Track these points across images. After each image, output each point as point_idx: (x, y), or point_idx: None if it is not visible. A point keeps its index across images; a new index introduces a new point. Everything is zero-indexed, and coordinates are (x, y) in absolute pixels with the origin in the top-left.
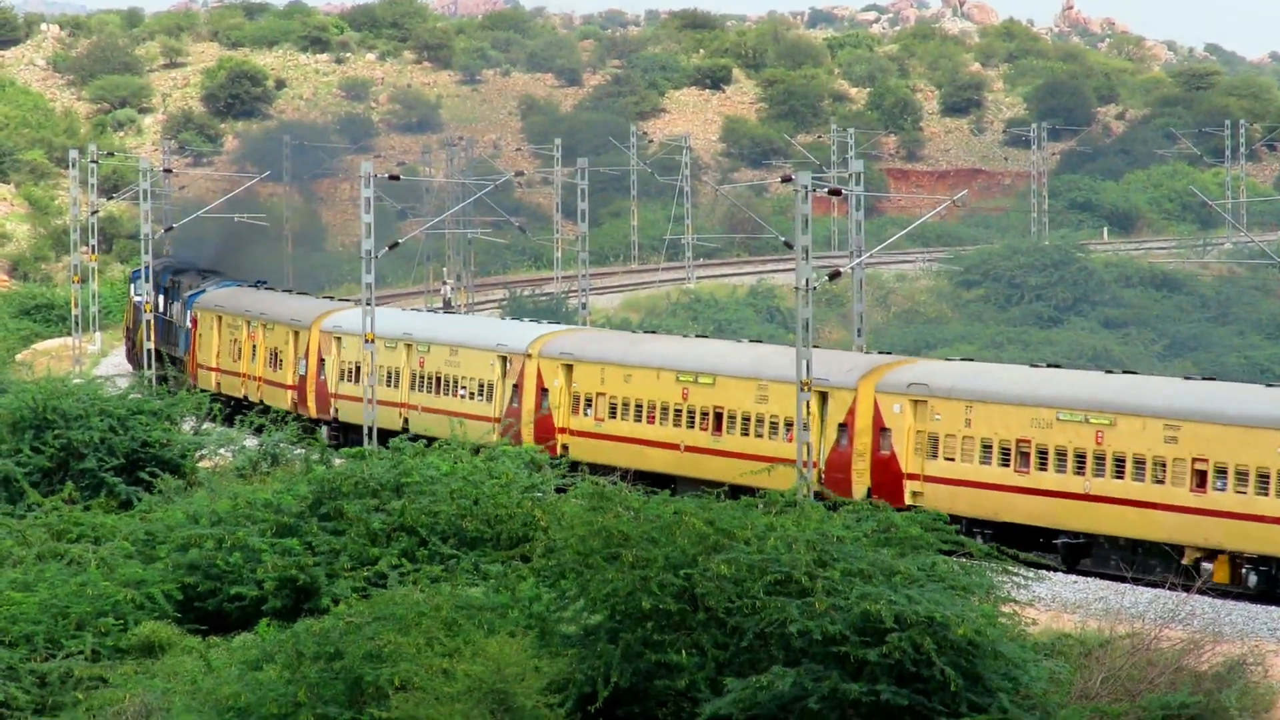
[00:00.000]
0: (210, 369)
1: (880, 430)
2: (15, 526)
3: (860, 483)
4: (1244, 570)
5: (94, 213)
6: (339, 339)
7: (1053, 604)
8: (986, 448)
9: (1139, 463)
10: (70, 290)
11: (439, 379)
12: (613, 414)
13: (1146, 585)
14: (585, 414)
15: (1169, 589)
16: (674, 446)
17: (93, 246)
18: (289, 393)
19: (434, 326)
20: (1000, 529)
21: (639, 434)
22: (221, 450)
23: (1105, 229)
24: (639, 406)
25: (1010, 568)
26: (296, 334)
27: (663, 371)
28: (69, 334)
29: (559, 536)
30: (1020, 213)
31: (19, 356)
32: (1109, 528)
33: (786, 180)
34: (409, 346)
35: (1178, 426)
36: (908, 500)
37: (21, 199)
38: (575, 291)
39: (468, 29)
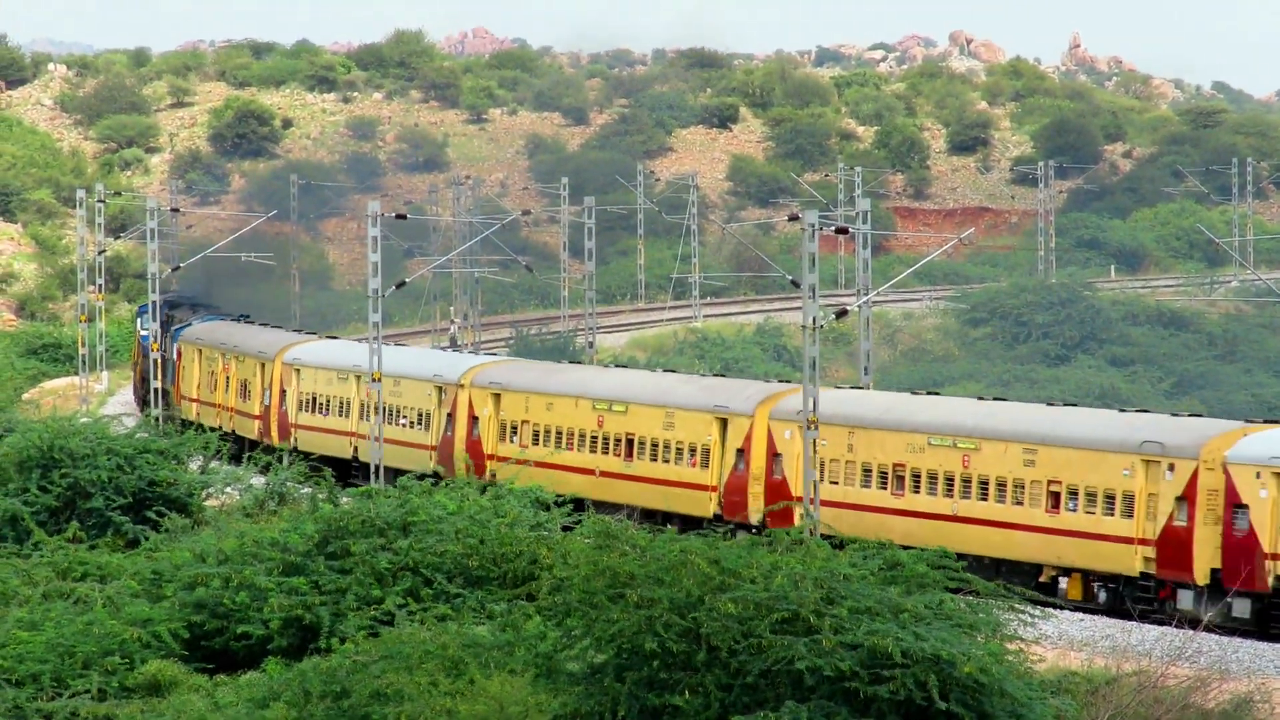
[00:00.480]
0: (191, 400)
1: (773, 456)
2: (21, 566)
3: (755, 506)
4: (1095, 586)
5: (101, 252)
6: (298, 370)
7: (1059, 641)
8: (867, 471)
9: (1000, 485)
10: (77, 329)
11: (384, 409)
12: (535, 440)
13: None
14: (511, 441)
15: (1175, 626)
16: (590, 472)
17: (100, 286)
18: (255, 422)
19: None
20: None
21: (559, 460)
22: (228, 489)
23: (1112, 267)
24: (559, 433)
25: (1017, 605)
26: (262, 365)
27: (580, 400)
28: (76, 373)
29: (565, 574)
30: (1027, 251)
31: (26, 396)
32: (975, 548)
33: (793, 219)
34: (358, 378)
35: (1035, 450)
36: (797, 523)
37: (29, 238)
38: (582, 330)
39: (475, 68)
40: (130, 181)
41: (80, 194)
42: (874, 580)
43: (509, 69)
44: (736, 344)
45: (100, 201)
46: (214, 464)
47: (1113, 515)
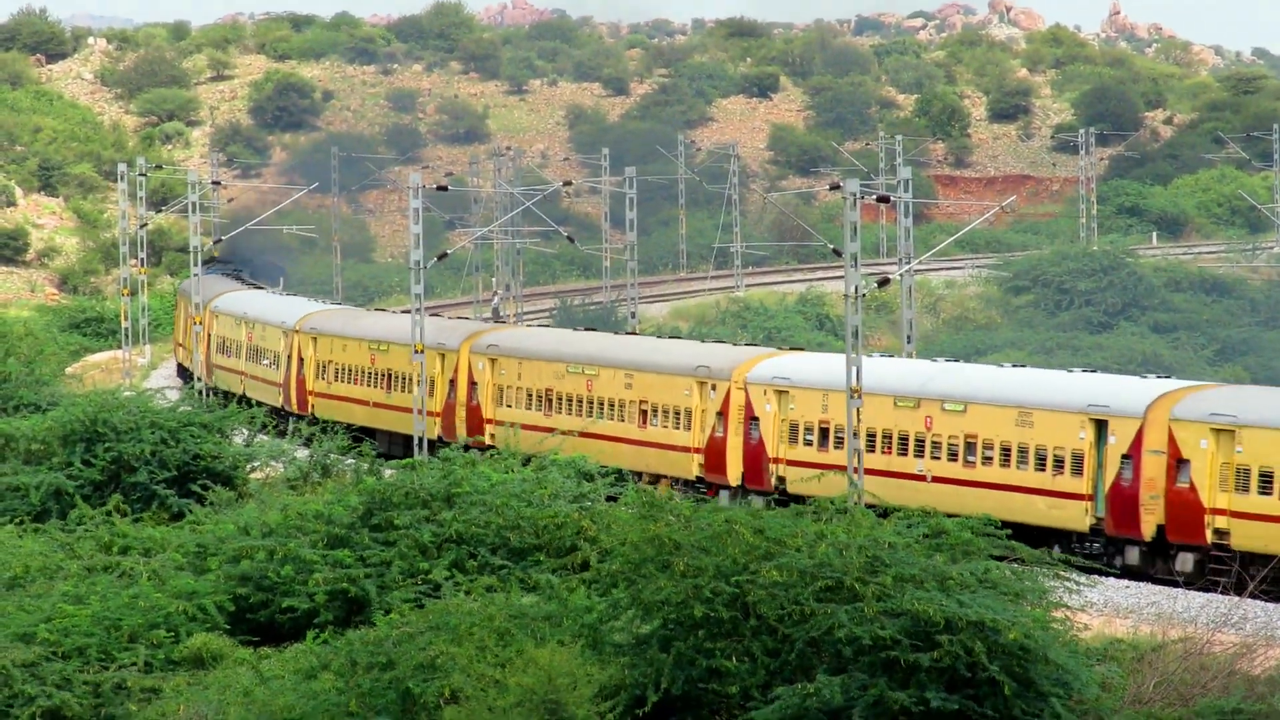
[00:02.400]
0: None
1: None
2: (64, 540)
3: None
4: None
5: (143, 226)
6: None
7: (1105, 609)
8: (529, 395)
9: (612, 405)
10: (120, 303)
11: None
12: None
13: None
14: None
15: (1221, 593)
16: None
17: (142, 259)
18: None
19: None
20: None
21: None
22: (272, 462)
23: (1154, 234)
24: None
25: (1063, 572)
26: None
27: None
28: (119, 347)
29: (612, 543)
30: (1069, 218)
31: (69, 370)
32: (597, 458)
33: (835, 188)
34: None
35: (632, 375)
36: (773, 485)
37: (70, 213)
38: (624, 300)
39: (514, 39)
40: (171, 155)
41: (121, 168)
42: (918, 549)
43: (549, 40)
44: (779, 313)
45: (141, 175)
46: (259, 437)
47: (679, 429)
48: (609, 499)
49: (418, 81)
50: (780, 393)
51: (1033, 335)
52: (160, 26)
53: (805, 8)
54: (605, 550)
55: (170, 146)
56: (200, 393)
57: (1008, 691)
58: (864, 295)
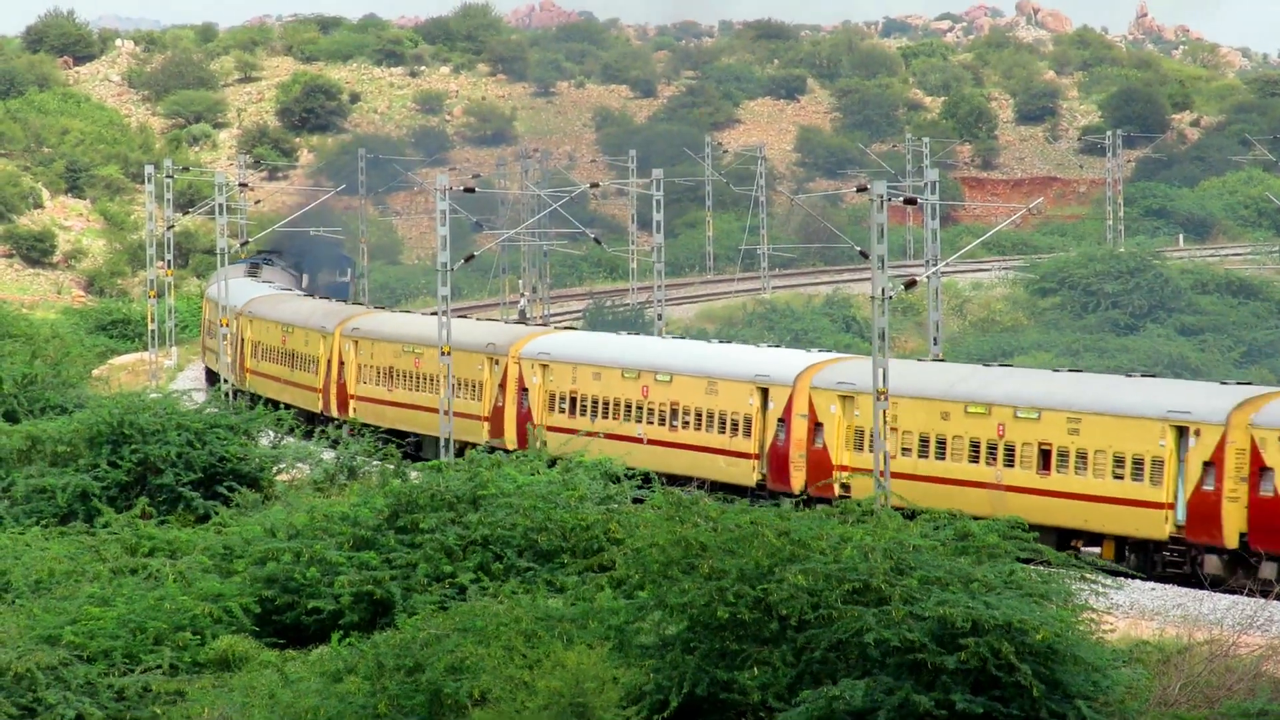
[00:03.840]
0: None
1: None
2: (89, 542)
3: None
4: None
5: (170, 228)
6: (356, 342)
7: (1131, 611)
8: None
9: (468, 384)
10: (146, 305)
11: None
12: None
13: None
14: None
15: (1247, 595)
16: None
17: (169, 261)
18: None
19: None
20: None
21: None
22: (299, 464)
23: (1181, 236)
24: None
25: (1089, 575)
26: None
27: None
28: (145, 349)
29: (640, 543)
30: (1096, 220)
31: (95, 372)
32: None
33: (862, 190)
34: (356, 343)
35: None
36: (836, 492)
37: (97, 214)
38: (652, 302)
39: (542, 41)
40: (198, 157)
41: (149, 170)
42: (944, 551)
43: (576, 42)
44: (805, 315)
45: (169, 177)
46: (286, 439)
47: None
48: (636, 501)
49: (445, 83)
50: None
51: (1059, 337)
52: (187, 28)
53: (833, 9)
54: (634, 550)
55: (197, 148)
56: (226, 395)
57: (1036, 693)
58: (891, 297)
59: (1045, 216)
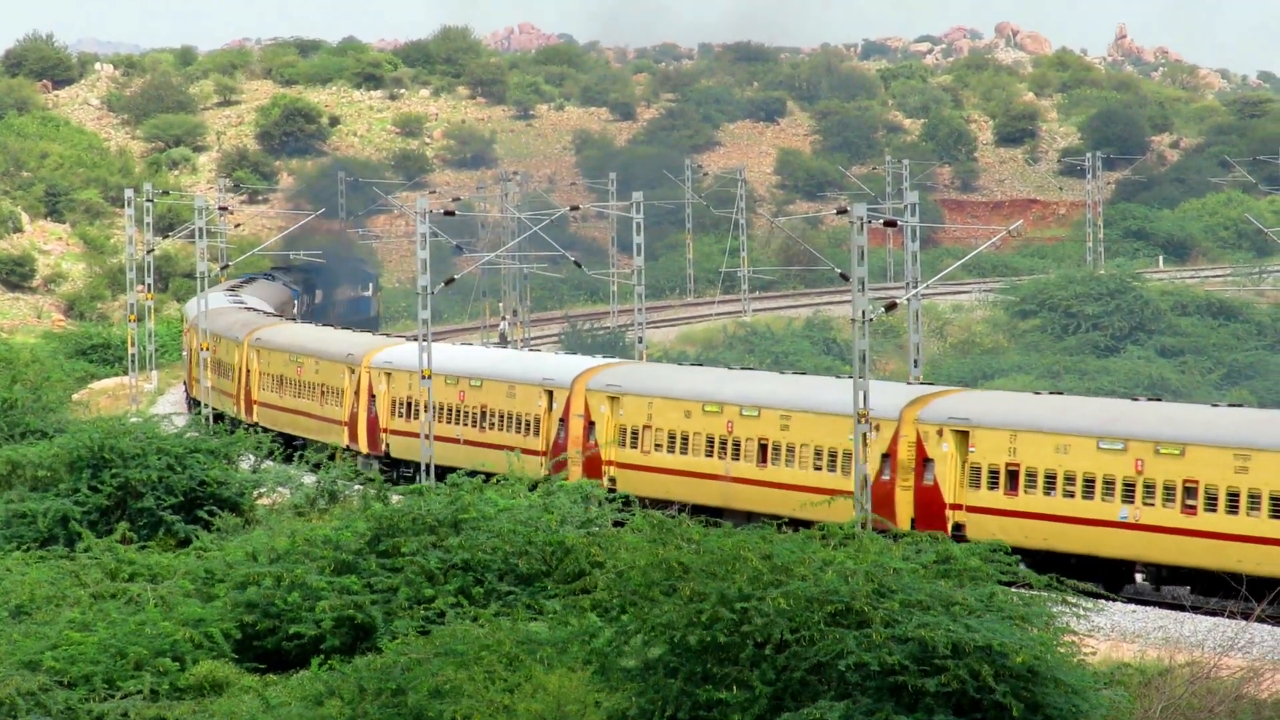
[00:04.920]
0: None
1: (589, 424)
2: (70, 567)
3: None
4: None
5: (150, 251)
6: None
7: (1111, 634)
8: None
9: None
10: (126, 329)
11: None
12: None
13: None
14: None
15: (1228, 617)
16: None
17: (149, 285)
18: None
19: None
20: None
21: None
22: (280, 488)
23: (1160, 258)
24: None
25: (1069, 598)
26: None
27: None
28: (125, 373)
29: (623, 564)
30: (1075, 242)
31: (76, 396)
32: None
33: (842, 212)
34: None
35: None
36: (605, 483)
37: (77, 238)
38: (632, 325)
39: (521, 64)
40: (178, 180)
41: (128, 193)
42: (926, 574)
43: (555, 65)
44: (785, 338)
45: (148, 201)
46: (266, 463)
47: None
48: (616, 524)
49: (424, 106)
50: (612, 399)
51: (1039, 359)
52: (167, 52)
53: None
54: (615, 573)
55: (177, 172)
56: (206, 419)
57: (1016, 714)
58: (871, 320)
59: (1025, 238)
